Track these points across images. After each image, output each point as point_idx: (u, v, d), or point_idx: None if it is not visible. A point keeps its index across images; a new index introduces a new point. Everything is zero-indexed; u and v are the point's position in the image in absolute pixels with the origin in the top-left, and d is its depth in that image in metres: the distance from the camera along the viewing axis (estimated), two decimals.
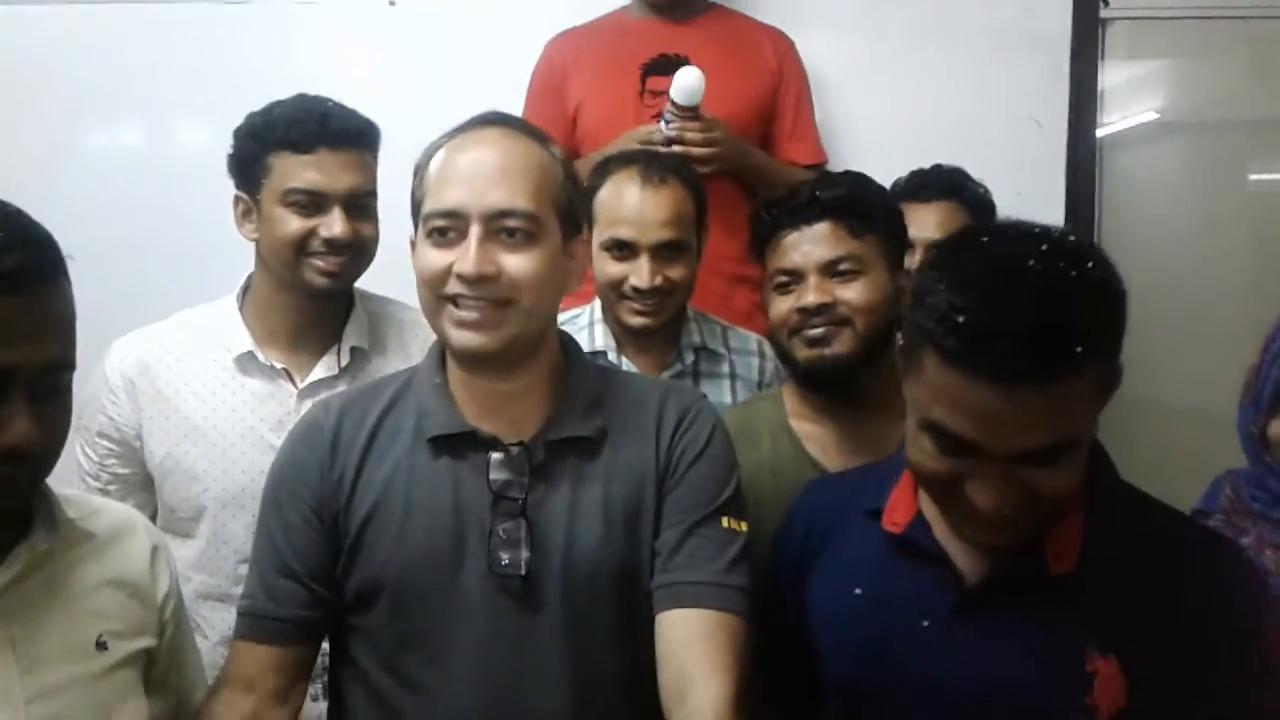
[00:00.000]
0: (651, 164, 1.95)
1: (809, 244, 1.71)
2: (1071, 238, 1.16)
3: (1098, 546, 1.21)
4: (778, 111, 2.58)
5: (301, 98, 1.86)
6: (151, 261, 2.71)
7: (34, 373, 1.09)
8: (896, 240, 1.78)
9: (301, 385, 1.89)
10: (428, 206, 1.34)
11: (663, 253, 1.90)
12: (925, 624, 1.27)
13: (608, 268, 1.90)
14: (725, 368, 2.05)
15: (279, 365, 1.90)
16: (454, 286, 1.31)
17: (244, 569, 1.51)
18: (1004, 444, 1.11)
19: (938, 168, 2.34)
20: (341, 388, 1.84)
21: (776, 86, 2.58)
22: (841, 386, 1.74)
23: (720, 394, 2.01)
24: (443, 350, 1.43)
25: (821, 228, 1.71)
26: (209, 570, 1.87)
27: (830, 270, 1.70)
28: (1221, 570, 1.24)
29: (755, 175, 2.43)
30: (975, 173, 2.33)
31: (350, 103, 1.90)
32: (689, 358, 2.02)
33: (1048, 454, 1.12)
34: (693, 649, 1.31)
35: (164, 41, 2.82)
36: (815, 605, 1.41)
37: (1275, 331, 1.67)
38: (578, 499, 1.38)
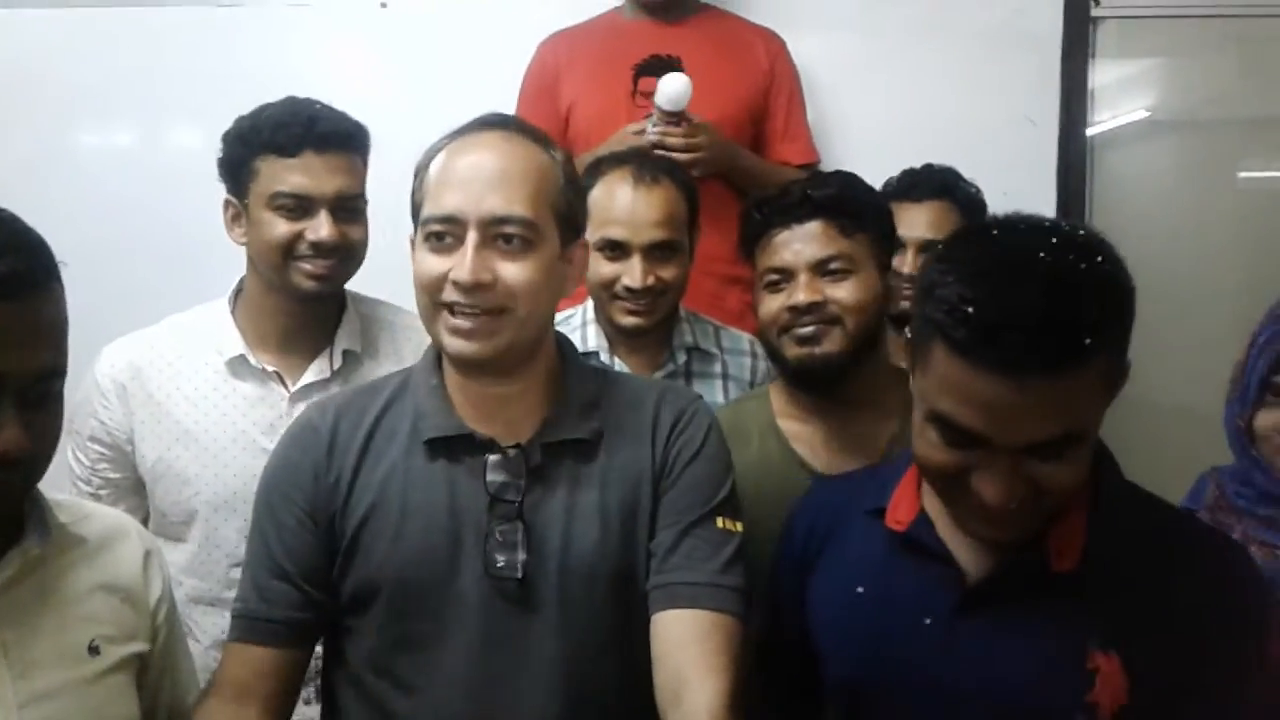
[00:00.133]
0: (644, 164, 1.96)
1: (800, 243, 1.71)
2: (1081, 231, 1.16)
3: (1101, 544, 1.21)
4: (770, 112, 2.58)
5: (289, 100, 1.86)
6: (143, 265, 2.71)
7: (25, 380, 1.09)
8: (886, 240, 1.79)
9: (293, 388, 1.89)
10: (426, 211, 1.34)
11: (655, 253, 1.90)
12: (927, 622, 1.27)
13: (600, 268, 1.90)
14: (718, 368, 2.05)
15: (271, 368, 1.89)
16: (450, 294, 1.31)
17: (236, 573, 1.51)
18: (1011, 436, 1.11)
19: (929, 167, 2.34)
20: (334, 391, 1.83)
21: (769, 87, 2.58)
22: (830, 385, 1.75)
23: (713, 394, 2.01)
24: (439, 352, 1.42)
25: (813, 226, 1.71)
26: (200, 574, 1.86)
27: (821, 269, 1.70)
28: (1225, 570, 1.24)
29: (746, 177, 2.43)
30: (967, 172, 2.34)
31: (343, 105, 1.90)
32: (681, 358, 2.02)
33: (1055, 447, 1.12)
34: (688, 650, 1.31)
35: (157, 44, 2.82)
36: (817, 605, 1.41)
37: (1262, 326, 1.68)
38: (574, 501, 1.38)
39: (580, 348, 1.94)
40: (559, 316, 1.99)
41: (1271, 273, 2.64)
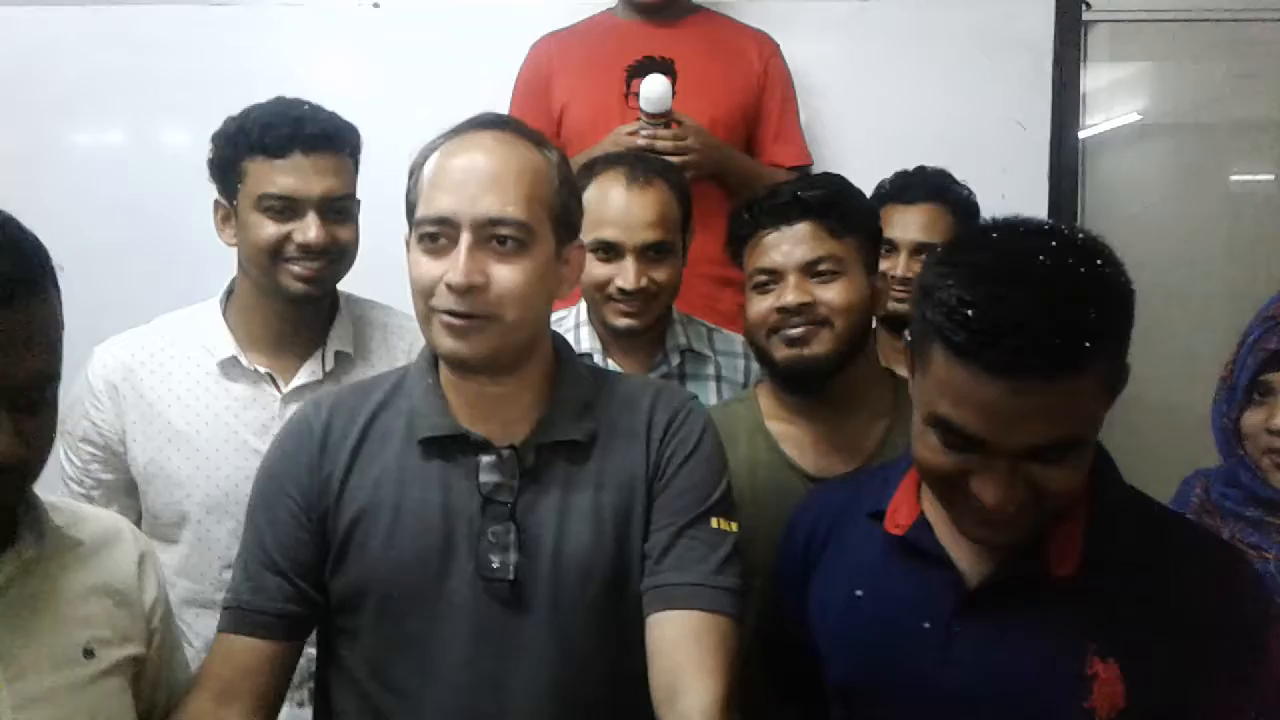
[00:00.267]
0: (637, 165, 1.95)
1: (789, 244, 1.72)
2: (1081, 235, 1.17)
3: (1100, 550, 1.21)
4: (763, 114, 2.58)
5: (277, 101, 1.85)
6: (136, 264, 2.71)
7: (18, 386, 1.08)
8: (873, 241, 1.80)
9: (285, 390, 1.88)
10: (420, 212, 1.33)
11: (648, 254, 1.90)
12: (926, 625, 1.27)
13: (593, 269, 1.90)
14: (711, 369, 2.05)
15: (263, 370, 1.88)
16: (443, 299, 1.30)
17: (228, 574, 1.49)
18: (1010, 439, 1.11)
19: (922, 169, 2.35)
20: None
21: (761, 89, 2.58)
22: (819, 387, 1.75)
23: (706, 396, 2.01)
24: (436, 354, 1.42)
25: (802, 228, 1.71)
26: (193, 576, 1.86)
27: (810, 270, 1.71)
28: (1225, 576, 1.24)
29: (738, 179, 2.43)
30: (959, 174, 2.35)
31: (335, 104, 1.89)
32: (674, 359, 2.02)
33: (1054, 450, 1.12)
34: (683, 651, 1.31)
35: (149, 43, 2.82)
36: (817, 608, 1.42)
37: (1252, 325, 1.69)
38: (568, 503, 1.38)
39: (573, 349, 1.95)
40: (553, 318, 1.99)
41: (1263, 275, 2.65)
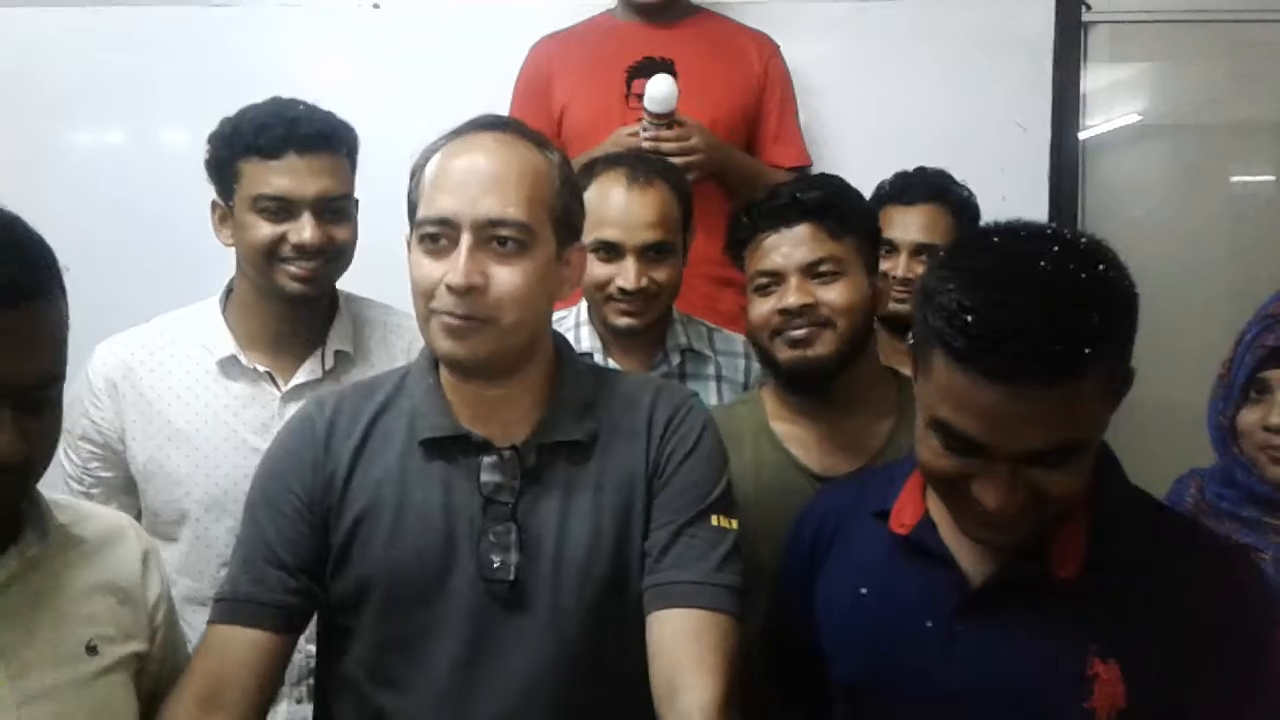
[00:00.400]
0: (637, 166, 1.96)
1: (789, 245, 1.72)
2: (1084, 239, 1.16)
3: (1102, 551, 1.21)
4: (762, 115, 2.59)
5: (272, 101, 1.84)
6: (135, 264, 2.71)
7: (22, 387, 1.08)
8: (873, 242, 1.80)
9: (285, 389, 1.88)
10: (420, 212, 1.33)
11: (648, 254, 1.90)
12: (929, 625, 1.28)
13: (594, 269, 1.90)
14: (711, 369, 2.05)
15: (262, 369, 1.89)
16: (443, 300, 1.30)
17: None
18: (1010, 444, 1.11)
19: (922, 170, 2.35)
20: (325, 391, 1.82)
21: (761, 90, 2.58)
22: (822, 387, 1.75)
23: (706, 396, 2.01)
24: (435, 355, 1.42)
25: (802, 230, 1.72)
26: (192, 574, 1.86)
27: (811, 272, 1.71)
28: (1229, 578, 1.24)
29: (739, 179, 2.43)
30: (959, 175, 2.34)
31: (335, 105, 1.89)
32: (675, 359, 2.02)
33: (1054, 455, 1.12)
34: (682, 649, 1.31)
35: (148, 44, 2.82)
36: (822, 606, 1.42)
37: (1250, 323, 1.69)
38: (568, 503, 1.38)
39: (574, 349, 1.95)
40: (553, 318, 1.99)
41: (1263, 276, 2.65)
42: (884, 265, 2.13)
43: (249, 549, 1.40)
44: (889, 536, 1.35)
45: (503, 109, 2.51)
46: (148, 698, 1.34)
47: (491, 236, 1.30)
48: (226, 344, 1.88)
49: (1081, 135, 2.88)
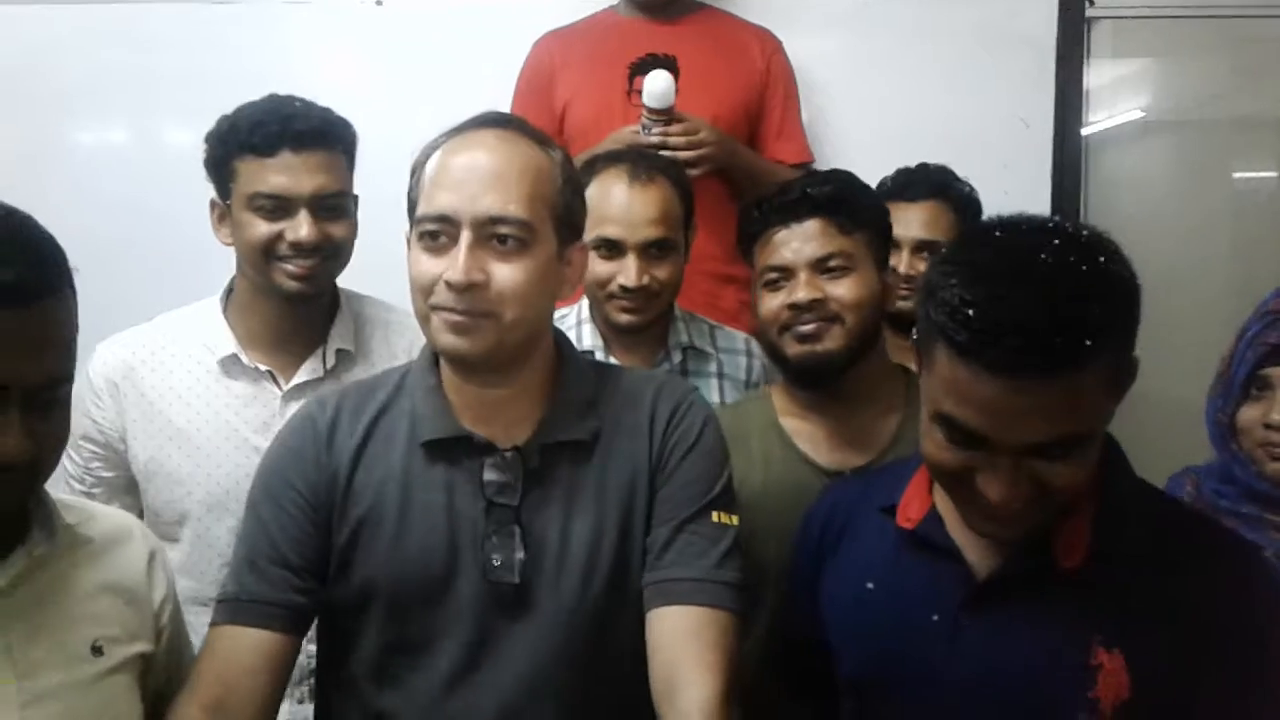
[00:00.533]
0: (639, 163, 1.96)
1: (799, 241, 1.72)
2: (1085, 231, 1.17)
3: (1107, 542, 1.21)
4: (765, 111, 2.58)
5: (268, 99, 1.84)
6: (139, 262, 2.70)
7: (31, 387, 1.08)
8: (883, 238, 1.80)
9: (286, 387, 1.88)
10: (420, 209, 1.33)
11: (650, 251, 1.90)
12: (935, 618, 1.28)
13: (595, 267, 1.90)
14: (713, 366, 2.05)
15: (263, 368, 1.88)
16: (442, 296, 1.30)
17: None
18: (1012, 436, 1.12)
19: (924, 167, 2.35)
20: (326, 390, 1.80)
21: (764, 86, 2.58)
22: (831, 382, 1.76)
23: (708, 393, 2.01)
24: (435, 352, 1.41)
25: (812, 225, 1.72)
26: (194, 575, 1.84)
27: (820, 267, 1.71)
28: (1234, 569, 1.24)
29: (743, 174, 2.43)
30: (961, 172, 2.35)
31: (338, 102, 1.89)
32: (677, 357, 2.02)
33: (1057, 447, 1.12)
34: (682, 646, 1.31)
35: (151, 41, 2.81)
36: (829, 600, 1.43)
37: (1250, 321, 1.69)
38: (572, 503, 1.37)
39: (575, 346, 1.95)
40: (555, 316, 1.99)
41: (1265, 272, 2.65)
42: None
43: (252, 548, 1.39)
44: (896, 531, 1.35)
45: (505, 106, 2.51)
46: (152, 699, 1.33)
47: (491, 234, 1.30)
48: (227, 343, 1.88)
49: (1084, 131, 2.87)
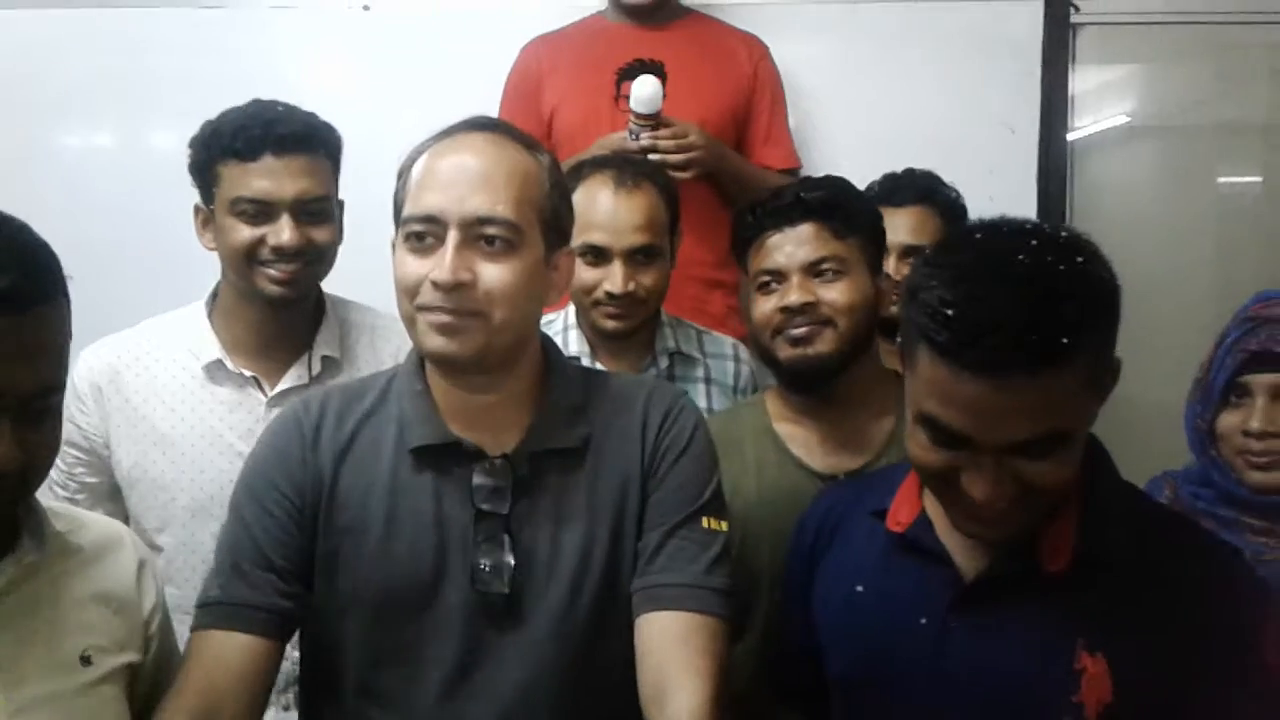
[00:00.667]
0: (624, 169, 1.95)
1: (792, 245, 1.73)
2: (1064, 233, 1.18)
3: (1092, 545, 1.22)
4: (752, 116, 2.59)
5: (252, 104, 1.83)
6: (130, 267, 2.69)
7: (23, 395, 1.08)
8: (877, 243, 1.81)
9: (271, 394, 1.87)
10: (407, 210, 1.32)
11: (636, 258, 1.90)
12: (923, 621, 1.29)
13: (581, 273, 1.89)
14: (700, 372, 2.06)
15: (248, 373, 1.87)
16: (428, 296, 1.28)
17: None
18: (994, 436, 1.12)
19: (910, 172, 2.35)
20: None
21: (751, 91, 2.59)
22: (823, 386, 1.76)
23: (695, 398, 2.00)
24: (422, 356, 1.40)
25: (805, 229, 1.73)
26: (177, 582, 1.83)
27: (813, 270, 1.72)
28: (1218, 573, 1.24)
29: (731, 178, 2.44)
30: (948, 177, 2.35)
31: (326, 106, 1.89)
32: (664, 362, 2.02)
33: (1040, 446, 1.13)
34: (671, 651, 1.30)
35: (140, 46, 2.81)
36: (820, 603, 1.43)
37: (1230, 327, 1.70)
38: (562, 511, 1.36)
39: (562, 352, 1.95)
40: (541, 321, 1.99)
41: (1249, 276, 2.67)
42: None
43: (236, 551, 1.36)
44: (886, 535, 1.36)
45: (493, 111, 2.51)
46: (139, 709, 1.32)
47: (479, 235, 1.29)
48: (212, 348, 1.87)
49: (1069, 136, 2.89)
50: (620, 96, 2.46)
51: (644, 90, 2.25)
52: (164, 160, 2.74)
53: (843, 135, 2.78)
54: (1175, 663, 1.18)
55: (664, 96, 2.27)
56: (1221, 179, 2.99)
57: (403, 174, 1.36)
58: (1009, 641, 1.23)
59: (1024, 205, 2.76)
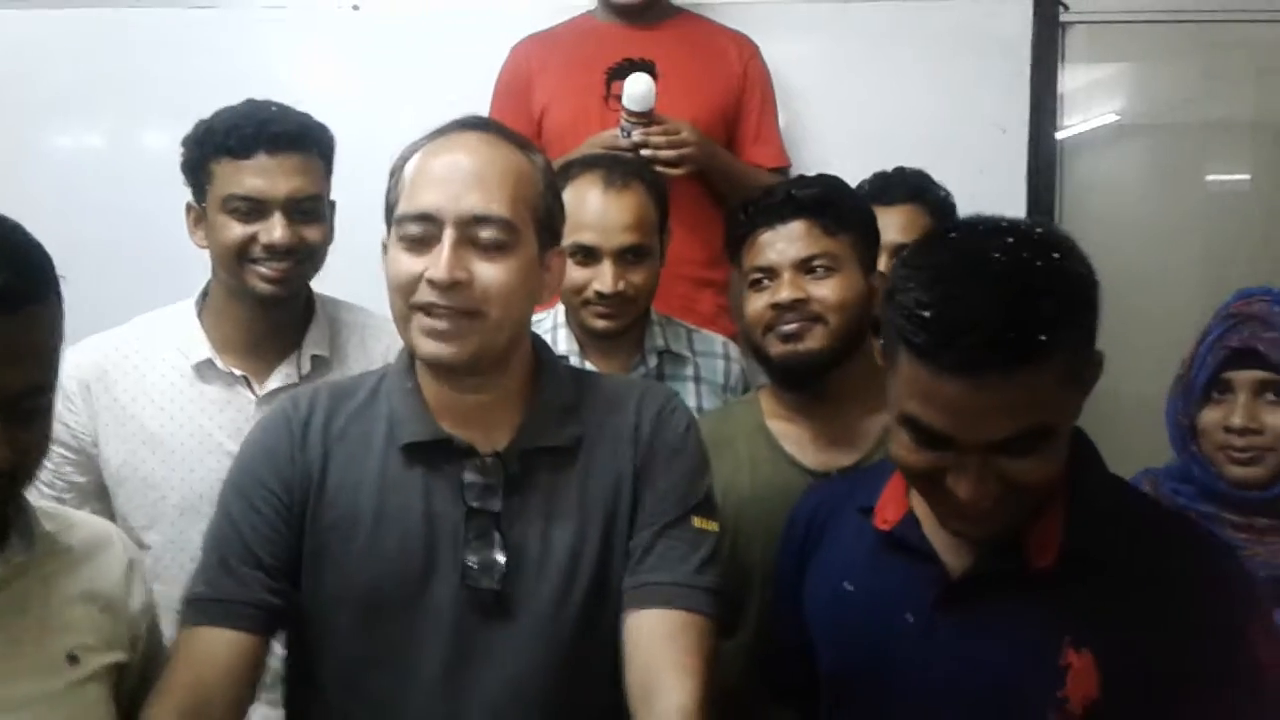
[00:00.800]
0: (614, 168, 1.95)
1: (784, 242, 1.74)
2: (1039, 229, 1.18)
3: (1079, 541, 1.22)
4: (742, 115, 2.59)
5: (246, 103, 1.84)
6: (121, 267, 2.69)
7: (13, 395, 1.08)
8: (869, 241, 1.81)
9: (261, 393, 1.87)
10: (401, 209, 1.31)
11: (626, 257, 1.90)
12: (909, 618, 1.29)
13: (571, 273, 1.89)
14: (690, 370, 2.06)
15: (238, 372, 1.87)
16: (424, 295, 1.28)
17: None
18: (975, 434, 1.13)
19: (900, 171, 2.35)
20: None
21: (741, 90, 2.59)
22: (815, 382, 1.77)
23: (685, 397, 2.00)
24: (413, 355, 1.39)
25: (796, 226, 1.74)
26: (165, 580, 1.79)
27: (804, 267, 1.73)
28: (1206, 568, 1.24)
29: (722, 177, 2.44)
30: (937, 176, 2.35)
31: (317, 106, 1.89)
32: (653, 361, 2.02)
33: (1022, 443, 1.13)
34: (659, 650, 1.30)
35: (131, 47, 2.82)
36: (809, 600, 1.44)
37: (1212, 324, 1.70)
38: (553, 509, 1.36)
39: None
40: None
41: (1237, 274, 2.67)
42: None
43: (224, 547, 1.36)
44: (873, 532, 1.36)
45: (483, 110, 2.51)
46: (127, 708, 1.31)
47: (474, 233, 1.29)
48: (202, 347, 1.87)
49: (1059, 135, 2.89)
50: (610, 96, 2.46)
51: (637, 87, 2.25)
52: (156, 160, 2.73)
53: (833, 134, 2.79)
54: (1162, 659, 1.18)
55: (656, 94, 2.27)
56: (1210, 177, 3.00)
57: (395, 173, 1.35)
58: (995, 638, 1.23)
59: (1013, 204, 2.76)
